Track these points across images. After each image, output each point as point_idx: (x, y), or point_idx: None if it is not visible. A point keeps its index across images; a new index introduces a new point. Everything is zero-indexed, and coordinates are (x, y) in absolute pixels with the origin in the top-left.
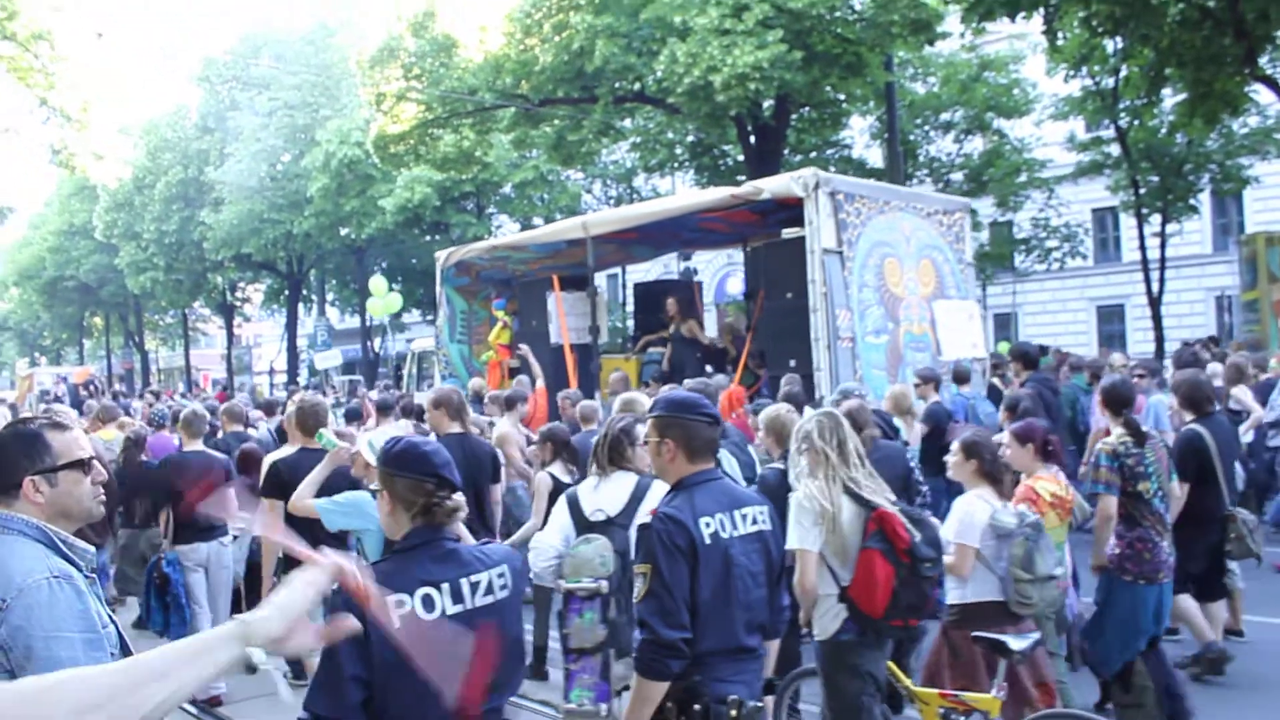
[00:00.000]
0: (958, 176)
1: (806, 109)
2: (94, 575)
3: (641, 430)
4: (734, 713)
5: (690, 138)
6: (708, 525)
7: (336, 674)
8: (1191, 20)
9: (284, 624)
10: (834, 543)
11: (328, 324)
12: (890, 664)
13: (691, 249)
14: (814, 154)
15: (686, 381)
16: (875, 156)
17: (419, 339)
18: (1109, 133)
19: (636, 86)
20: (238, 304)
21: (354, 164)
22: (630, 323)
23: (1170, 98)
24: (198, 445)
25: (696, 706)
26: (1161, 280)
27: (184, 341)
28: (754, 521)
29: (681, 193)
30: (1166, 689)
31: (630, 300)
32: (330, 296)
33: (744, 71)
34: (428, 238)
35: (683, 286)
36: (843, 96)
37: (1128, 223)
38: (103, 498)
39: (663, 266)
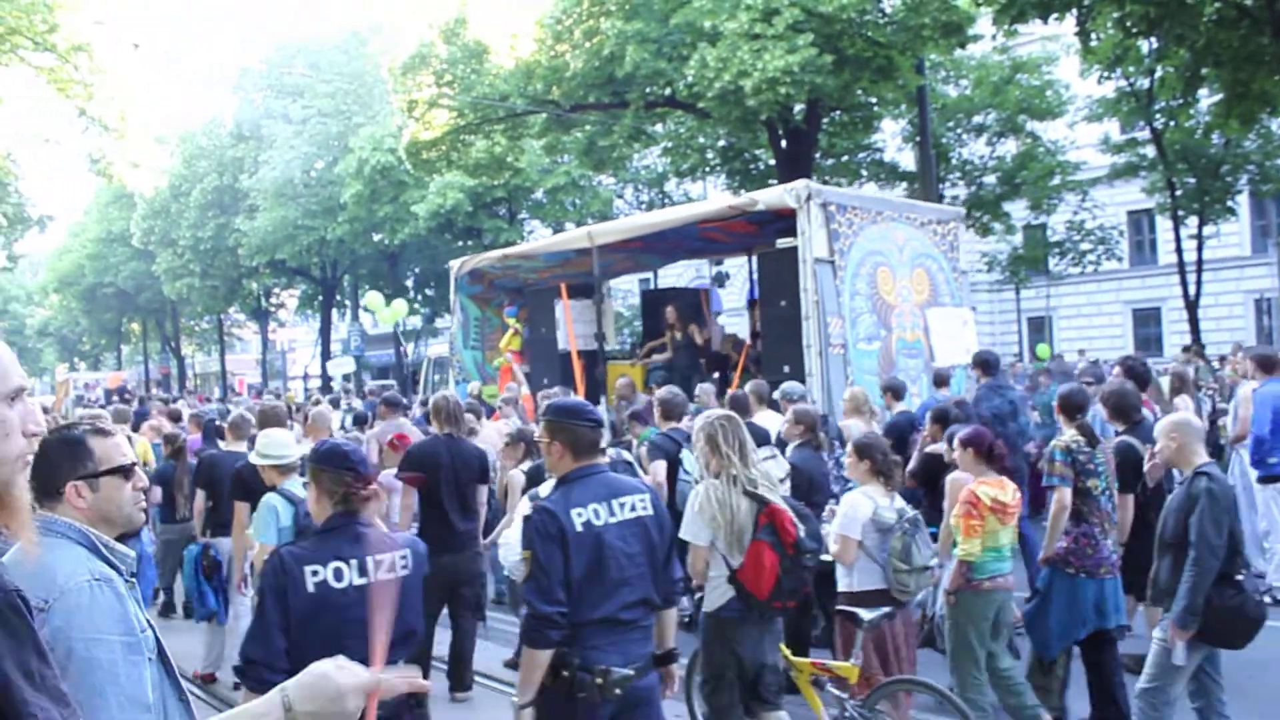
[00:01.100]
0: (990, 179)
1: (838, 113)
2: (134, 579)
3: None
4: (599, 680)
5: (721, 142)
6: (579, 515)
7: (265, 623)
8: (1228, 19)
9: (318, 705)
10: (727, 534)
11: (361, 329)
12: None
13: (696, 258)
14: (845, 158)
15: (661, 390)
16: (907, 160)
17: (437, 345)
18: (1144, 134)
19: (667, 91)
20: (272, 309)
21: (387, 170)
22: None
23: (1206, 98)
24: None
25: (564, 673)
26: (1199, 283)
27: (219, 347)
28: (633, 509)
29: (682, 205)
30: (1107, 689)
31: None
32: (364, 302)
33: (774, 76)
34: (460, 243)
35: (688, 294)
36: (874, 100)
37: (1163, 225)
38: (144, 504)
39: (694, 271)
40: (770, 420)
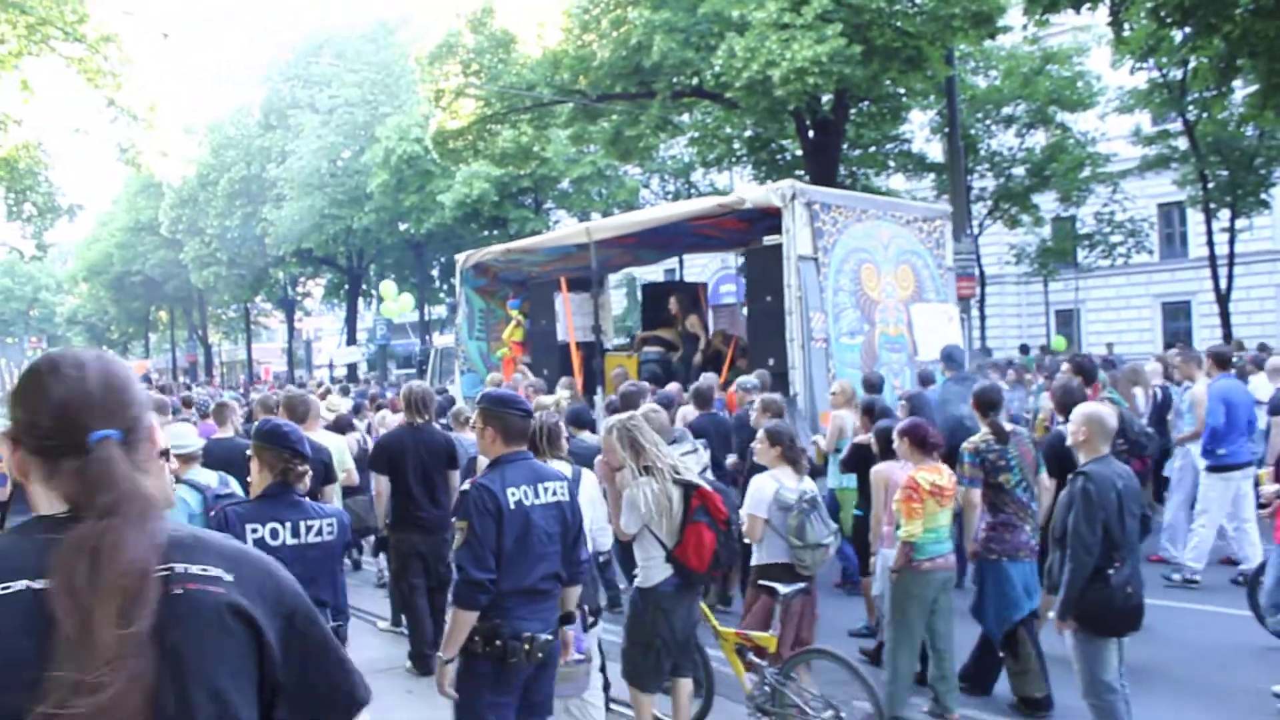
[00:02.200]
0: (1019, 171)
1: (866, 103)
2: None
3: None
4: (526, 646)
5: (748, 132)
6: (513, 494)
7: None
8: (1265, 8)
9: None
10: (667, 521)
11: (386, 318)
12: (706, 610)
13: (692, 253)
14: (873, 149)
15: (624, 384)
16: (935, 151)
17: (444, 336)
18: (1176, 125)
19: (694, 81)
20: (298, 298)
21: (413, 160)
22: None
23: (1241, 89)
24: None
25: (498, 641)
26: (1230, 277)
27: (246, 335)
28: (554, 494)
29: (677, 202)
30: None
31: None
32: (379, 289)
33: (803, 66)
34: (486, 233)
35: (687, 286)
36: (903, 91)
37: (1195, 218)
38: (175, 488)
39: (719, 261)
40: None
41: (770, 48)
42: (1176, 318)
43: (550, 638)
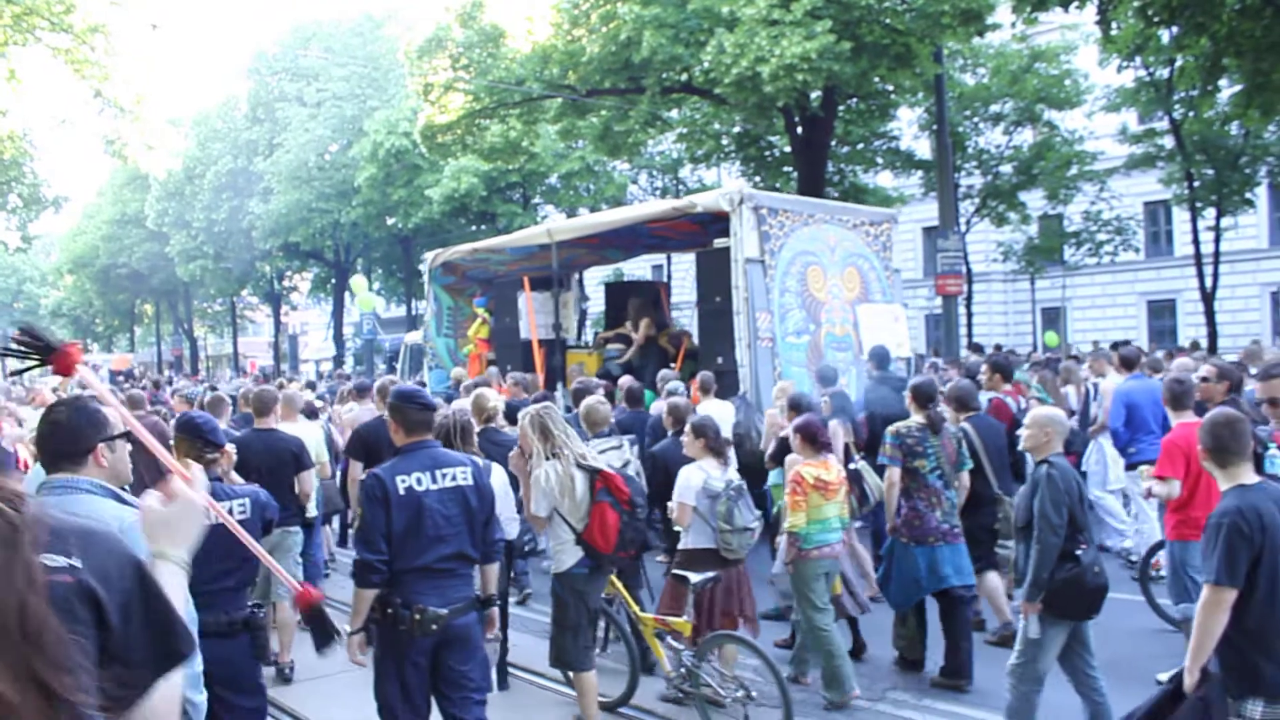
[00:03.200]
0: (1007, 169)
1: (854, 100)
2: None
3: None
4: (417, 616)
5: (737, 129)
6: (403, 481)
7: None
8: (1251, 8)
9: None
10: (570, 504)
11: (374, 312)
12: (627, 597)
13: (652, 253)
14: (861, 145)
15: (575, 380)
16: (923, 148)
17: (412, 333)
18: (1163, 124)
19: (684, 77)
20: (285, 292)
21: (401, 154)
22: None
23: (1227, 88)
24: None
25: (389, 610)
26: (1215, 275)
27: (232, 329)
28: (453, 479)
29: (634, 204)
30: (955, 643)
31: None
32: (376, 285)
33: (792, 62)
34: (474, 228)
35: (648, 287)
36: (891, 88)
37: (1180, 216)
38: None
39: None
40: (715, 408)
41: (759, 44)
42: (1162, 316)
43: (445, 612)
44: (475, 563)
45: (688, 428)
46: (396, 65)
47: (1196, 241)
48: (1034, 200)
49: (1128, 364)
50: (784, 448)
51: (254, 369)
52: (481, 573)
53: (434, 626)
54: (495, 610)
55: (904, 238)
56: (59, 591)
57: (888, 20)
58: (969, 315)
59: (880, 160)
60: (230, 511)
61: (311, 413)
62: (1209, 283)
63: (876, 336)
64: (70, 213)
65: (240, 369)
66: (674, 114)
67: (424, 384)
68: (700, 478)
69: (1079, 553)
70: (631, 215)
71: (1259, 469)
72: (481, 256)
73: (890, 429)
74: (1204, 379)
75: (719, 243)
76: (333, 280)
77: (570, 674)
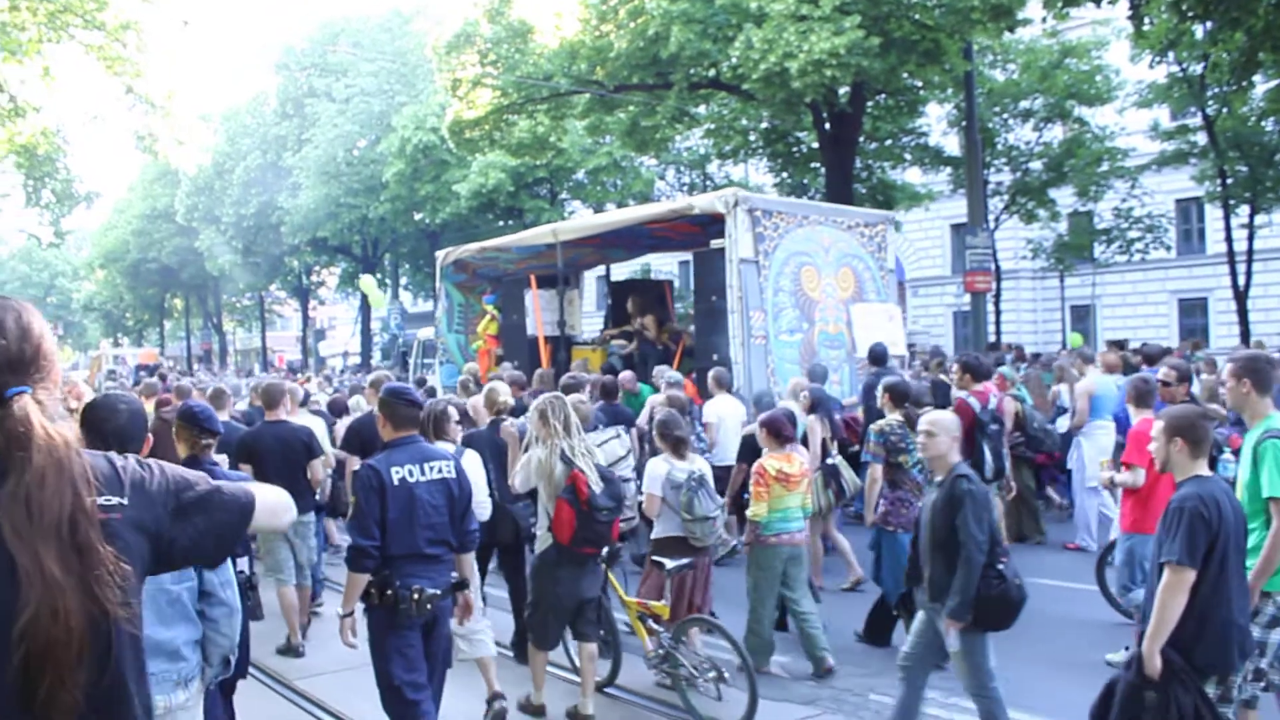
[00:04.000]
0: (1037, 165)
1: (883, 96)
2: None
3: (454, 411)
4: (415, 597)
5: (764, 124)
6: (397, 472)
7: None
8: None
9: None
10: (548, 491)
11: (401, 307)
12: (613, 581)
13: (654, 253)
14: (890, 141)
15: (565, 376)
16: (952, 144)
17: (425, 329)
18: (1195, 120)
19: (711, 73)
20: (313, 287)
21: (429, 149)
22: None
23: (1262, 84)
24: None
25: (389, 591)
26: (1249, 273)
27: (260, 323)
28: (440, 471)
29: (635, 206)
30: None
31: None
32: (404, 280)
33: (820, 58)
34: (501, 223)
35: (651, 285)
36: (920, 83)
37: (1213, 213)
38: None
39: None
40: (728, 405)
41: (788, 39)
42: (1193, 314)
43: (439, 592)
44: (454, 550)
45: (655, 427)
46: (424, 61)
47: (1229, 239)
48: (1064, 197)
49: (1127, 364)
50: (751, 444)
51: (281, 363)
52: (458, 560)
53: (429, 606)
54: (470, 593)
55: (932, 234)
56: (112, 527)
57: (917, 15)
58: (998, 313)
59: (909, 156)
60: None
61: (339, 410)
62: (1241, 281)
63: (870, 335)
64: (101, 208)
65: (269, 363)
66: (701, 110)
67: (423, 381)
68: (664, 469)
69: (1000, 566)
70: (633, 216)
71: (1210, 468)
72: (490, 255)
73: (874, 427)
74: (1164, 382)
75: (714, 243)
76: (360, 275)
77: (530, 646)
